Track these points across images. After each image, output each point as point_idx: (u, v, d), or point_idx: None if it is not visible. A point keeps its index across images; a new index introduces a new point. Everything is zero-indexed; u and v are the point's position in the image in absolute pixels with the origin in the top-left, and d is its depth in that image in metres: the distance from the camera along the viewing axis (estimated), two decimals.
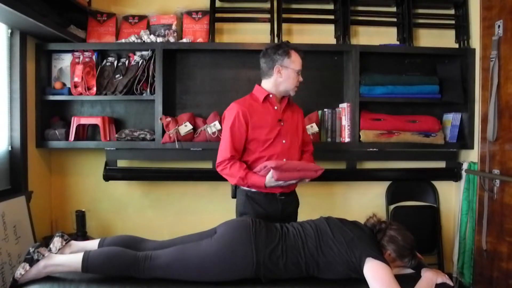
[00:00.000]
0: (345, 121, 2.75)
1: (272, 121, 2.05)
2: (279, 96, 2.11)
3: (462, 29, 2.90)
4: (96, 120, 2.74)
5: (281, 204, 2.09)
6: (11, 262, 2.25)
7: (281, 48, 2.03)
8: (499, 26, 2.37)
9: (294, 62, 2.02)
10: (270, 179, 1.95)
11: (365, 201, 2.99)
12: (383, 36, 2.93)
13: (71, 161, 2.93)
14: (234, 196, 2.15)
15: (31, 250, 1.69)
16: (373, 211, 1.95)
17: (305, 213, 2.33)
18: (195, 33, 2.83)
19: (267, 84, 2.09)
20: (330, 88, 2.90)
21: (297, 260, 1.71)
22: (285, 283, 1.72)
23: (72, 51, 2.77)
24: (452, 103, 2.81)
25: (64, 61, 2.82)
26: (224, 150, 2.03)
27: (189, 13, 2.86)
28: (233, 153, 2.02)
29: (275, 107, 2.09)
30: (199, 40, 2.81)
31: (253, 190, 2.05)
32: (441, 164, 3.00)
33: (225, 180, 2.87)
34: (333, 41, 2.94)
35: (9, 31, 2.46)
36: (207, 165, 2.87)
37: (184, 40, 2.78)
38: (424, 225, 2.92)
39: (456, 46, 2.95)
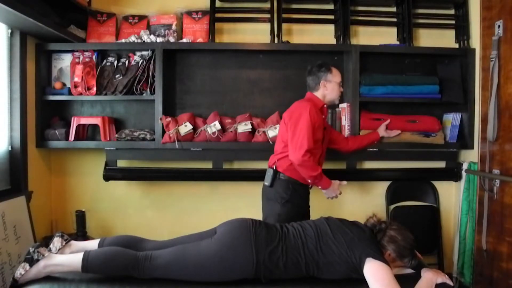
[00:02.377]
0: (345, 121, 2.75)
1: (322, 127, 2.34)
2: (327, 106, 2.45)
3: (462, 29, 2.90)
4: (96, 120, 2.74)
5: (308, 196, 2.43)
6: (11, 262, 2.25)
7: (321, 66, 2.39)
8: (499, 26, 2.37)
9: (336, 76, 2.39)
10: (333, 189, 2.35)
11: (365, 201, 2.99)
12: (383, 36, 2.93)
13: (71, 161, 2.93)
14: (271, 185, 2.31)
15: (31, 250, 1.69)
16: (373, 211, 1.95)
17: None
18: (195, 33, 2.83)
19: (318, 95, 2.40)
20: None
21: (297, 260, 1.71)
22: (285, 283, 1.72)
23: (72, 51, 2.77)
24: (452, 103, 2.81)
25: (64, 61, 2.83)
26: (308, 140, 2.19)
27: (189, 13, 2.86)
28: (312, 146, 2.21)
29: (323, 116, 2.38)
30: (199, 40, 2.81)
31: (297, 181, 2.30)
32: (441, 164, 3.00)
33: (226, 180, 2.91)
34: (333, 41, 2.94)
35: (9, 31, 2.46)
36: (207, 165, 2.87)
37: (184, 40, 2.78)
38: (424, 225, 2.92)
39: (456, 46, 2.95)
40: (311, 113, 2.22)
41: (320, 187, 2.33)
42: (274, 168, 2.32)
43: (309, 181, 2.28)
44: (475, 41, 2.78)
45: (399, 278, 1.62)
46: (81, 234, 2.69)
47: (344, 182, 2.41)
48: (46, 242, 2.28)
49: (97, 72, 2.75)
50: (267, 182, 2.34)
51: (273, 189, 2.32)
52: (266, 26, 2.87)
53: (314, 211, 2.45)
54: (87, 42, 2.81)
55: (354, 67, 2.73)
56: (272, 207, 2.30)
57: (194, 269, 1.68)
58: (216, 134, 2.68)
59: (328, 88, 2.37)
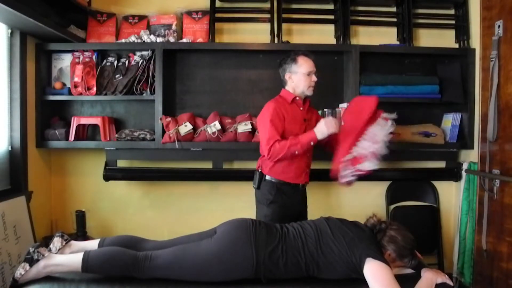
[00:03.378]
0: None
1: (300, 119, 2.26)
2: (302, 98, 2.29)
3: (462, 29, 2.91)
4: (96, 120, 2.74)
5: (300, 196, 2.32)
6: (11, 262, 2.25)
7: (289, 56, 2.25)
8: (499, 26, 2.37)
9: (301, 66, 2.22)
10: (322, 126, 2.10)
11: (365, 201, 2.99)
12: (383, 36, 2.93)
13: (71, 161, 2.93)
14: (258, 187, 2.27)
15: (31, 250, 1.69)
16: (373, 211, 1.95)
17: None
18: (195, 33, 2.83)
19: (289, 89, 2.30)
20: (330, 88, 2.90)
21: (297, 260, 1.71)
22: (285, 283, 1.72)
23: (72, 51, 2.77)
24: (452, 103, 2.81)
25: (64, 61, 2.83)
26: (271, 137, 2.13)
27: (189, 13, 2.86)
28: (279, 137, 2.14)
29: (301, 108, 2.28)
30: (199, 40, 2.81)
31: (283, 182, 2.22)
32: (441, 164, 3.00)
33: (226, 180, 2.91)
34: (333, 41, 2.94)
35: (9, 31, 2.46)
36: (207, 165, 2.87)
37: (184, 40, 2.78)
38: (424, 225, 2.92)
39: (456, 46, 2.95)
40: (273, 113, 2.16)
41: (312, 142, 2.10)
42: (260, 170, 2.28)
43: (297, 152, 2.11)
44: (475, 41, 2.78)
45: (399, 278, 1.62)
46: (81, 234, 2.69)
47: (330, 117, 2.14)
48: (46, 242, 2.28)
49: (97, 72, 2.75)
50: (255, 184, 2.29)
51: (260, 191, 2.27)
52: (266, 26, 2.87)
53: (314, 211, 2.44)
54: (87, 42, 2.81)
55: (354, 67, 2.73)
56: (260, 209, 2.28)
57: (194, 269, 1.68)
58: (216, 134, 2.68)
59: (294, 80, 2.23)
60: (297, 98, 2.27)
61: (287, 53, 2.31)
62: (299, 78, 2.22)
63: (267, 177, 2.24)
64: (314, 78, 2.24)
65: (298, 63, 2.22)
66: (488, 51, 2.43)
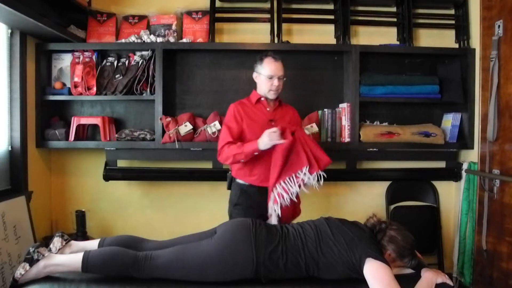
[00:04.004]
0: (345, 121, 2.75)
1: (263, 120, 2.20)
2: (270, 99, 2.25)
3: (462, 29, 2.91)
4: (96, 120, 2.74)
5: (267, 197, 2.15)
6: (11, 262, 2.25)
7: (260, 56, 2.23)
8: (499, 26, 2.37)
9: (265, 68, 2.19)
10: (264, 138, 2.02)
11: (365, 201, 2.99)
12: (383, 36, 2.94)
13: (71, 161, 2.93)
14: (229, 188, 2.31)
15: (31, 250, 1.69)
16: (373, 211, 1.95)
17: (305, 213, 2.33)
18: (195, 33, 2.83)
19: (257, 89, 2.29)
20: (330, 88, 2.90)
21: (297, 260, 1.71)
22: (285, 283, 1.72)
23: (72, 51, 2.78)
24: (452, 103, 2.82)
25: (64, 61, 2.83)
26: (222, 139, 2.17)
27: (189, 13, 2.86)
28: (231, 139, 2.14)
29: (267, 109, 2.25)
30: (199, 40, 2.81)
31: (248, 184, 2.20)
32: (441, 164, 3.00)
33: (225, 180, 2.88)
34: (333, 41, 2.94)
35: (9, 31, 2.46)
36: (207, 165, 2.87)
37: (184, 40, 2.78)
38: (424, 225, 2.92)
39: (456, 46, 2.95)
40: (229, 115, 2.20)
41: (256, 153, 2.05)
42: (229, 172, 2.31)
43: (242, 160, 2.09)
44: (475, 41, 2.78)
45: (399, 278, 1.62)
46: (81, 234, 2.69)
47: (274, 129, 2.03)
48: (46, 242, 2.28)
49: (97, 72, 2.75)
50: (227, 185, 2.32)
51: (230, 192, 2.30)
52: (266, 26, 2.87)
53: (313, 212, 2.44)
54: (87, 42, 2.81)
55: (354, 67, 2.73)
56: (229, 209, 2.29)
57: (194, 269, 1.68)
58: (216, 134, 2.68)
59: (257, 80, 2.23)
60: (262, 98, 2.25)
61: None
62: (261, 80, 2.21)
63: (235, 179, 2.25)
64: (275, 83, 2.16)
65: (263, 64, 2.19)
66: (488, 51, 2.44)
